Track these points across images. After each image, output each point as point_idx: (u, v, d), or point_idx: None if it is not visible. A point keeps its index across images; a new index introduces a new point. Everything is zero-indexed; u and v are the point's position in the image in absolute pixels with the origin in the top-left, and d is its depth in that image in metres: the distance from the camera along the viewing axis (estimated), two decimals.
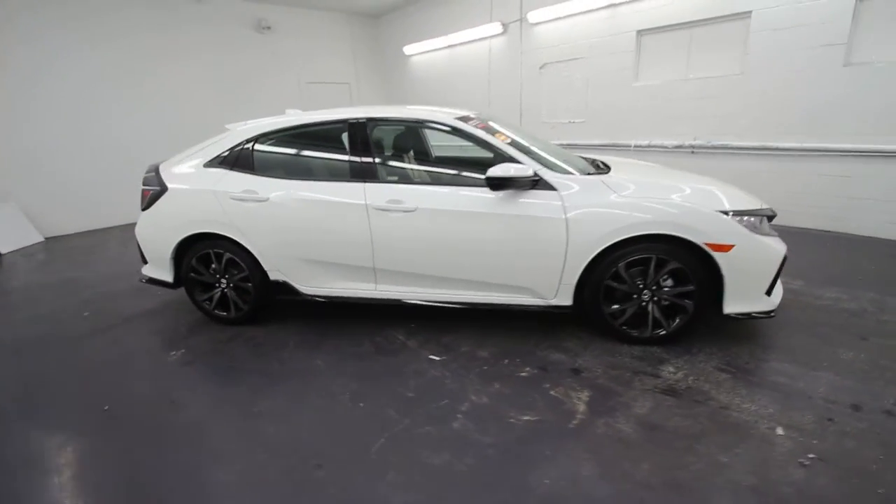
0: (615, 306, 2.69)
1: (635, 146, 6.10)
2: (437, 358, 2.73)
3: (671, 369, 2.50)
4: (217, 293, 3.21)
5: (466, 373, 2.56)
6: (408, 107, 3.06)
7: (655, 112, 5.87)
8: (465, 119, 2.87)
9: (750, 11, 4.84)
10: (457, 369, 2.61)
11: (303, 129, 3.04)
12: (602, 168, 2.97)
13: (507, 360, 2.67)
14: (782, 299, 2.72)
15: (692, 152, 5.63)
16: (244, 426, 2.22)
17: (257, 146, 3.05)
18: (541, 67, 6.98)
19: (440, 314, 3.21)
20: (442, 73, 8.67)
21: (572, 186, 2.61)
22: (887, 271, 3.71)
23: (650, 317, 2.66)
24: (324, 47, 8.92)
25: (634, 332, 2.71)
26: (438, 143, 3.68)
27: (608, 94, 6.29)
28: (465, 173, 2.85)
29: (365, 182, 2.82)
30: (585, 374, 2.50)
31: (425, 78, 9.06)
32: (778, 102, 4.86)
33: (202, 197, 3.01)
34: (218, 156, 3.09)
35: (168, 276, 3.25)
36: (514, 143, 2.79)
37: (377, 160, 2.89)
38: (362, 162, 2.86)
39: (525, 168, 2.55)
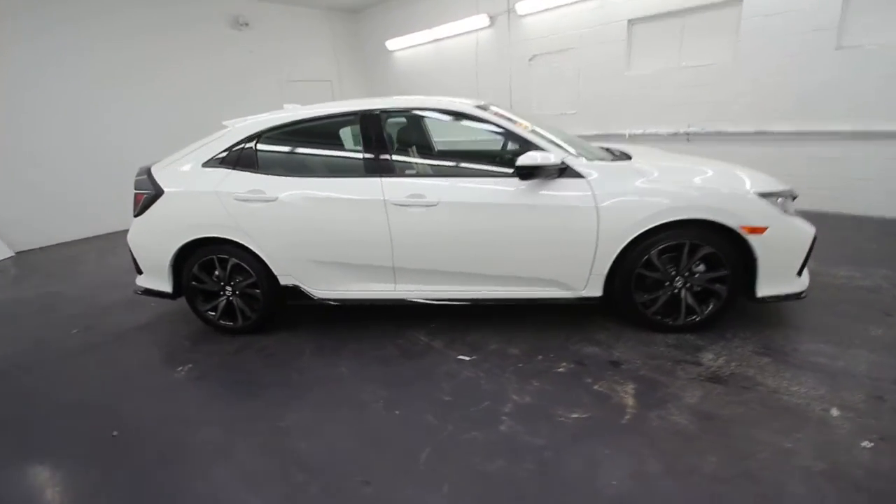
0: (648, 295, 2.62)
1: (629, 135, 6.10)
2: (467, 358, 2.61)
3: (710, 356, 2.44)
4: (222, 302, 3.00)
5: (501, 372, 2.45)
6: (420, 97, 2.91)
7: (649, 101, 5.88)
8: (483, 107, 2.76)
9: None
10: (490, 369, 2.49)
11: (311, 122, 2.87)
12: (620, 156, 2.90)
13: (540, 357, 2.56)
14: None
15: (687, 139, 5.66)
16: (272, 443, 2.05)
17: (261, 143, 2.85)
18: (530, 59, 6.92)
19: (460, 312, 3.08)
20: (427, 67, 8.51)
21: (601, 173, 2.52)
22: (889, 248, 3.77)
23: (683, 304, 2.60)
24: (304, 44, 8.64)
25: (668, 321, 2.65)
26: (441, 137, 3.57)
27: (600, 85, 6.27)
28: (485, 164, 2.73)
29: (382, 177, 2.66)
30: (625, 366, 2.42)
31: (410, 73, 8.89)
32: (771, 87, 4.92)
33: (203, 199, 2.80)
34: (217, 155, 2.88)
35: (167, 287, 3.02)
36: (534, 132, 2.69)
37: (393, 153, 2.74)
38: (378, 155, 2.70)
39: (553, 156, 2.45)
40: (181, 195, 2.85)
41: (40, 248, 6.13)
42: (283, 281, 2.89)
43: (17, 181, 5.91)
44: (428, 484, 1.75)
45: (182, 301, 3.10)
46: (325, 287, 2.88)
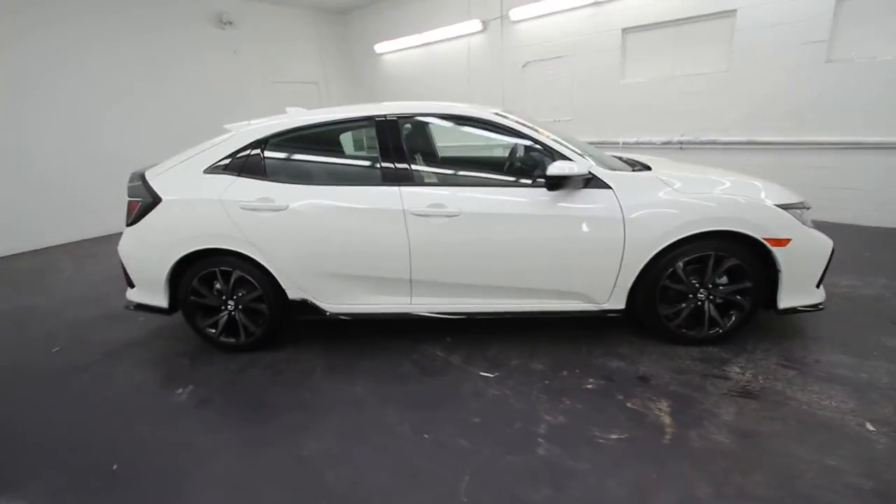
0: (671, 308, 2.58)
1: (623, 143, 6.15)
2: (490, 375, 2.51)
3: (737, 369, 2.42)
4: (223, 317, 2.81)
5: (528, 389, 2.36)
6: (436, 102, 2.80)
7: (643, 109, 5.94)
8: (502, 115, 2.67)
9: (735, 10, 4.98)
10: (515, 386, 2.40)
11: (323, 128, 2.72)
12: (638, 166, 2.87)
13: (565, 372, 2.49)
14: None
15: (681, 148, 5.74)
16: (295, 474, 1.90)
17: (269, 149, 2.69)
18: (524, 66, 6.91)
19: (474, 326, 2.98)
20: (417, 72, 8.41)
21: (625, 184, 2.48)
22: (884, 257, 3.88)
23: (706, 316, 2.58)
24: (289, 45, 8.41)
25: (691, 333, 2.62)
26: (444, 144, 3.48)
27: (594, 92, 6.31)
28: (508, 173, 2.65)
29: (400, 185, 2.55)
30: (654, 381, 2.37)
31: (399, 77, 8.77)
32: (763, 98, 5.03)
33: (207, 208, 2.61)
34: (220, 161, 2.70)
35: (162, 301, 2.81)
36: (557, 141, 2.63)
37: (412, 161, 2.63)
38: (396, 163, 2.58)
39: (580, 166, 2.39)
40: (181, 203, 2.66)
41: (3, 258, 5.69)
42: (291, 295, 2.73)
43: None
44: None
45: (174, 316, 2.90)
46: (337, 301, 2.73)
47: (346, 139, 2.84)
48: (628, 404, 2.19)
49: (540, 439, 2.00)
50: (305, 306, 2.75)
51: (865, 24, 4.37)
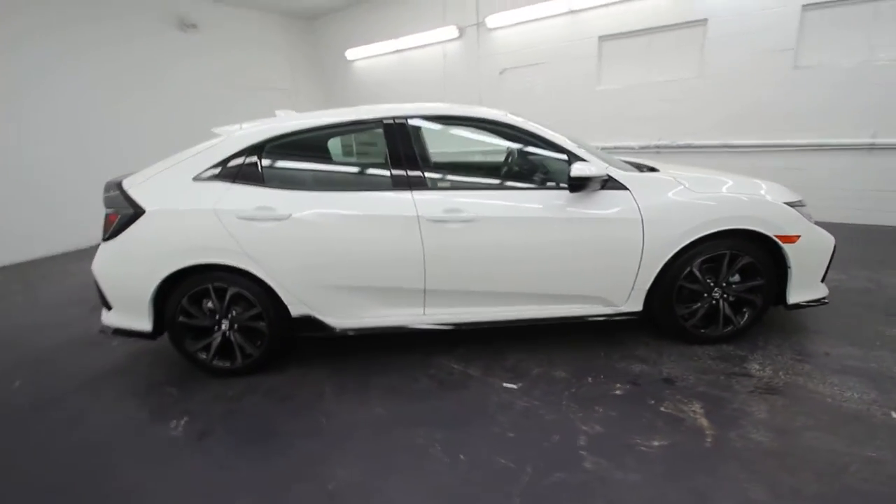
0: (686, 307, 2.58)
1: (602, 148, 6.24)
2: (514, 386, 2.40)
3: (756, 366, 2.44)
4: (217, 339, 2.56)
5: (557, 399, 2.27)
6: (446, 104, 2.69)
7: (619, 115, 6.08)
8: (512, 116, 2.61)
9: (706, 19, 5.20)
10: (542, 396, 2.30)
11: (325, 130, 2.55)
12: (645, 168, 2.87)
13: (590, 379, 2.42)
14: None
15: (657, 152, 5.91)
16: None
17: (267, 154, 2.49)
18: (501, 73, 6.94)
19: (485, 335, 2.88)
20: (391, 78, 8.28)
21: (641, 185, 2.46)
22: (855, 251, 4.10)
23: (721, 314, 2.60)
24: (256, 50, 8.07)
25: (706, 332, 2.63)
26: (437, 149, 3.38)
27: (571, 99, 6.41)
28: (521, 177, 2.58)
29: (412, 190, 2.42)
30: (679, 383, 2.34)
31: (371, 83, 8.61)
32: (734, 103, 5.26)
33: (199, 219, 2.38)
34: (211, 167, 2.47)
35: (145, 324, 2.52)
36: (574, 143, 2.58)
37: (424, 165, 2.50)
38: (407, 167, 2.45)
39: (595, 168, 2.35)
40: (169, 214, 2.40)
41: None
42: (294, 311, 2.52)
43: None
44: None
45: (152, 341, 2.61)
46: (345, 315, 2.55)
47: (350, 143, 2.68)
48: (661, 408, 2.15)
49: (582, 451, 1.91)
50: (309, 323, 2.55)
51: (828, 34, 4.66)
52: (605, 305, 2.58)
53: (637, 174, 2.52)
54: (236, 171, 2.46)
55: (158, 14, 6.69)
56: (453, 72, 7.45)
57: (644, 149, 5.95)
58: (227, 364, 2.61)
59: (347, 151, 3.63)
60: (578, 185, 2.31)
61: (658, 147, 5.88)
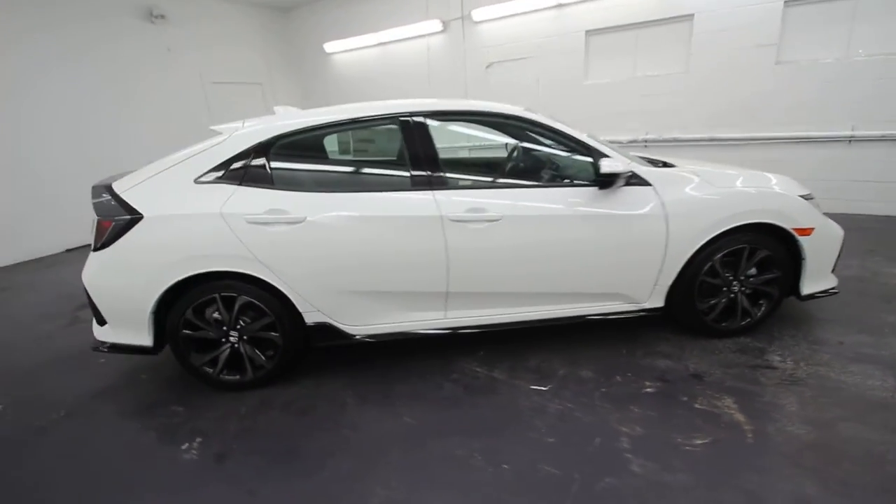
0: (705, 302, 2.59)
1: None
2: (543, 388, 2.35)
3: (777, 358, 2.47)
4: (225, 351, 2.39)
5: (589, 400, 2.23)
6: (462, 100, 2.59)
7: (606, 109, 6.11)
8: (531, 112, 2.54)
9: (692, 14, 5.27)
10: (573, 397, 2.26)
11: (339, 127, 2.41)
12: (660, 163, 2.86)
13: (618, 377, 2.40)
14: None
15: (645, 146, 5.98)
16: None
17: (276, 153, 2.33)
18: (487, 66, 6.86)
19: (504, 336, 2.80)
20: (372, 72, 8.07)
21: (662, 181, 2.44)
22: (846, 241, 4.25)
23: (739, 307, 2.62)
24: (230, 43, 7.69)
25: (725, 325, 2.64)
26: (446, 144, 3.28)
27: (559, 93, 6.40)
28: (548, 173, 2.52)
29: (433, 190, 2.31)
30: (707, 378, 2.34)
31: (352, 78, 8.37)
32: (719, 97, 5.37)
33: (205, 224, 2.20)
34: (215, 168, 2.29)
35: (145, 339, 2.33)
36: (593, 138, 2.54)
37: (443, 163, 2.40)
38: (427, 165, 2.34)
39: (622, 163, 2.31)
40: (170, 220, 2.21)
41: None
42: (309, 319, 2.38)
43: None
44: None
45: (144, 357, 2.42)
46: (363, 322, 2.43)
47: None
48: (696, 405, 2.14)
49: (627, 454, 1.87)
50: (326, 331, 2.42)
51: (808, 30, 4.81)
52: (628, 302, 2.56)
53: (659, 170, 2.50)
54: (242, 171, 2.29)
55: (123, 4, 6.26)
56: (438, 66, 7.32)
57: (632, 143, 6.01)
58: (237, 377, 2.44)
59: (359, 150, 3.48)
60: (608, 181, 2.27)
61: (646, 141, 5.95)
